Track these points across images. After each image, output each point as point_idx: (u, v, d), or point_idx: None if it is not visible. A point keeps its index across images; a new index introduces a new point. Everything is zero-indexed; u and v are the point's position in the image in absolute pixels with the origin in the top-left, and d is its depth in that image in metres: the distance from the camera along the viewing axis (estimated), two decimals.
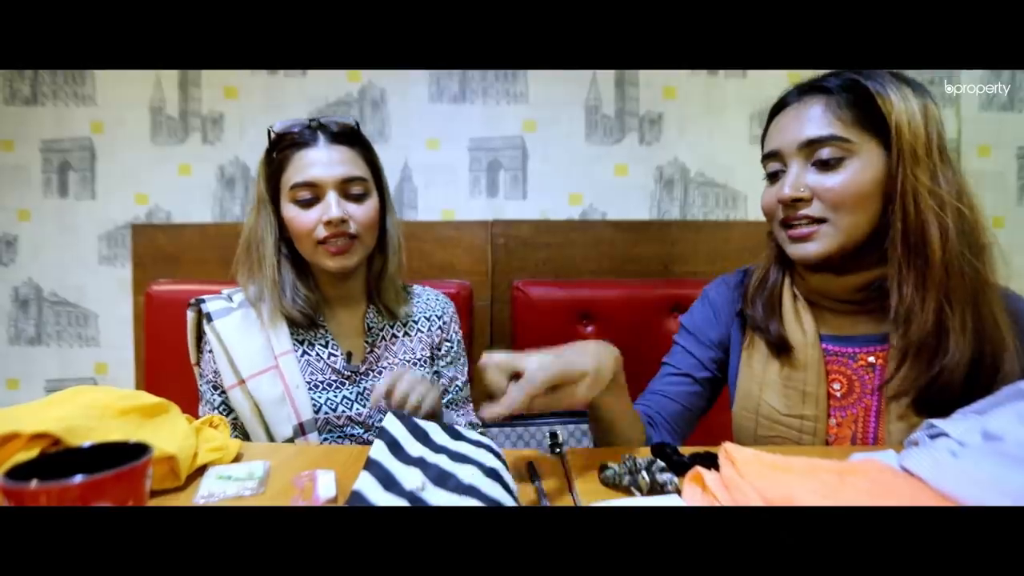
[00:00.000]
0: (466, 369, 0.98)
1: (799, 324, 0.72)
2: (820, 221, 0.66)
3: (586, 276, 1.42)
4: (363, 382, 0.86)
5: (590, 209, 1.52)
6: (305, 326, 0.86)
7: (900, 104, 0.64)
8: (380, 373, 0.88)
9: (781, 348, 0.72)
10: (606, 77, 1.50)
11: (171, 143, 1.52)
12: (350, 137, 0.84)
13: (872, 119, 0.65)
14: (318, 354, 0.85)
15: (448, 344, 0.95)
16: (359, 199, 0.83)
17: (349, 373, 0.86)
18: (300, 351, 0.85)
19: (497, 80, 1.50)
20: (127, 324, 1.50)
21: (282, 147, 0.82)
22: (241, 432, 0.83)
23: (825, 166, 0.66)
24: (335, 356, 0.86)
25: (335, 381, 0.85)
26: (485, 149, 1.51)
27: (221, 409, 0.83)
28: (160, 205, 1.53)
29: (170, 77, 1.51)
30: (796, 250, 0.69)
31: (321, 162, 0.80)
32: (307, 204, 0.80)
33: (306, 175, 0.80)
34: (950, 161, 0.65)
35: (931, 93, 0.68)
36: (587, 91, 1.50)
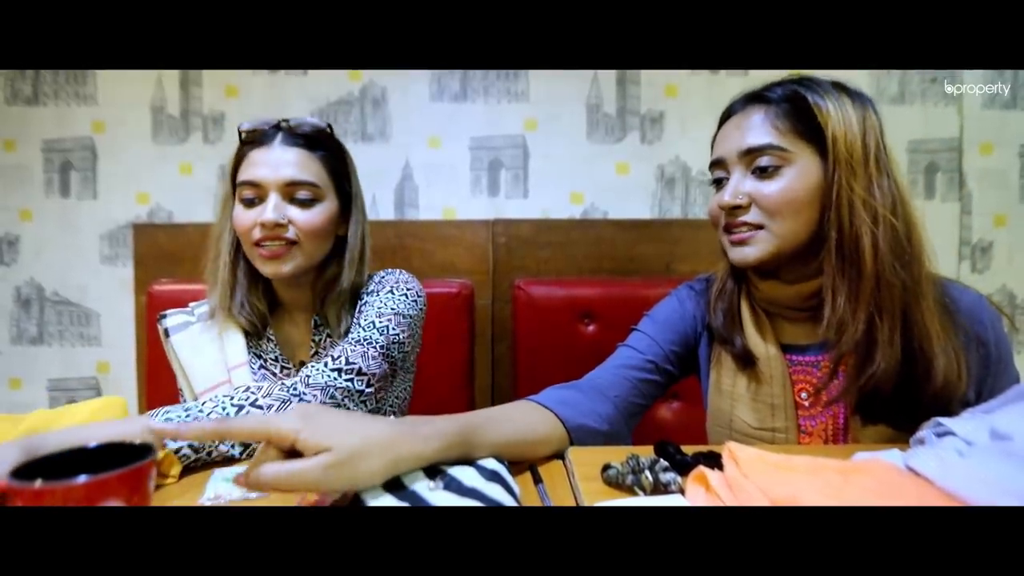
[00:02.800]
0: (371, 319, 0.81)
1: (760, 337, 0.73)
2: (758, 227, 0.68)
3: (587, 275, 1.42)
4: None
5: (591, 208, 1.52)
6: (253, 335, 0.85)
7: (837, 115, 0.65)
8: None
9: (747, 361, 0.74)
10: (607, 76, 1.50)
11: (172, 142, 1.52)
12: (312, 140, 0.81)
13: (810, 129, 0.67)
14: (270, 368, 0.85)
15: (362, 303, 0.84)
16: (305, 204, 0.79)
17: None
18: (258, 364, 0.85)
19: (498, 79, 1.50)
20: (129, 323, 1.50)
21: (243, 145, 0.82)
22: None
23: (763, 174, 0.68)
24: (287, 368, 0.85)
25: None
26: (486, 148, 1.51)
27: None
28: (161, 204, 1.53)
29: (171, 76, 1.51)
30: (735, 254, 0.71)
31: (269, 163, 0.78)
32: (249, 204, 0.78)
33: (251, 174, 0.78)
34: (888, 170, 0.66)
35: (873, 103, 0.69)
36: (588, 90, 1.50)
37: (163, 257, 1.44)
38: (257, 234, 0.77)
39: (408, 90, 1.50)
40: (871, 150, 0.65)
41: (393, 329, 0.81)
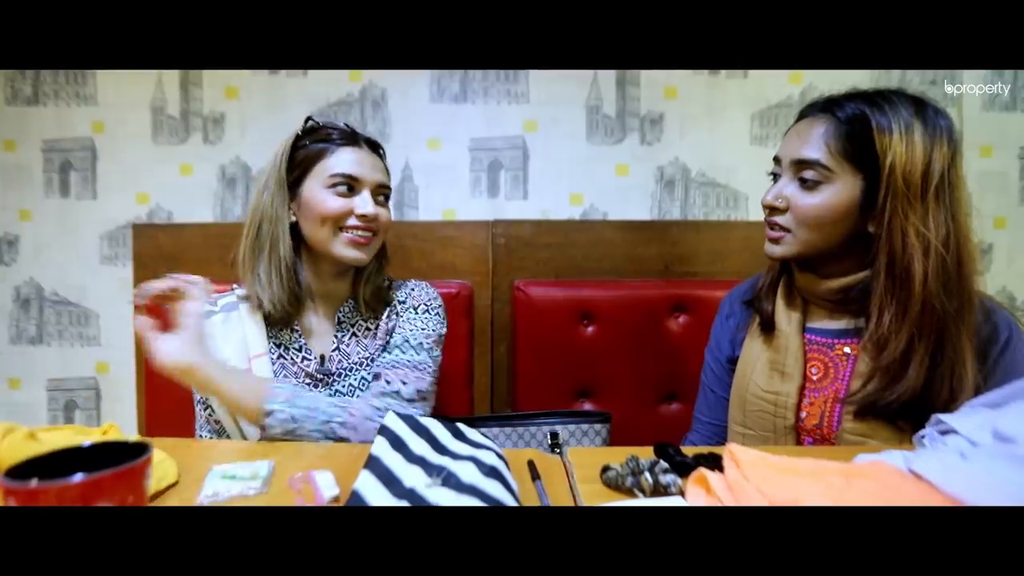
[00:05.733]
0: (415, 333, 0.90)
1: (787, 314, 0.81)
2: (787, 230, 0.76)
3: (587, 276, 1.42)
4: (336, 383, 0.89)
5: (591, 209, 1.52)
6: (279, 323, 0.88)
7: (900, 144, 0.68)
8: (350, 370, 0.89)
9: (768, 327, 0.82)
10: (607, 77, 1.50)
11: (172, 143, 1.52)
12: (380, 153, 0.93)
13: (862, 154, 0.71)
14: (292, 358, 0.88)
15: (396, 315, 0.94)
16: (383, 204, 0.89)
17: (322, 376, 0.88)
18: (276, 354, 0.87)
19: (498, 80, 1.50)
20: (128, 323, 1.50)
21: (322, 138, 0.87)
22: (222, 431, 0.85)
23: (805, 184, 0.74)
24: (308, 360, 0.88)
25: (308, 383, 0.87)
26: (486, 149, 1.51)
27: (201, 405, 0.87)
28: (161, 205, 1.53)
29: (171, 77, 1.51)
30: (766, 248, 0.80)
31: (365, 163, 0.87)
32: (342, 194, 0.85)
33: (350, 168, 0.85)
34: (948, 203, 0.69)
35: (952, 130, 0.70)
36: (588, 91, 1.50)
37: (163, 257, 1.44)
38: (353, 222, 0.85)
39: (408, 91, 1.50)
40: (932, 182, 0.68)
41: (435, 351, 0.92)
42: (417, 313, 0.93)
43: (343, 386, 0.89)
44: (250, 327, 0.86)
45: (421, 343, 0.89)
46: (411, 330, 0.91)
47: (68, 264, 1.55)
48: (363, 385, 0.90)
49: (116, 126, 1.52)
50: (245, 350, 0.85)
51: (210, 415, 0.85)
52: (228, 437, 0.84)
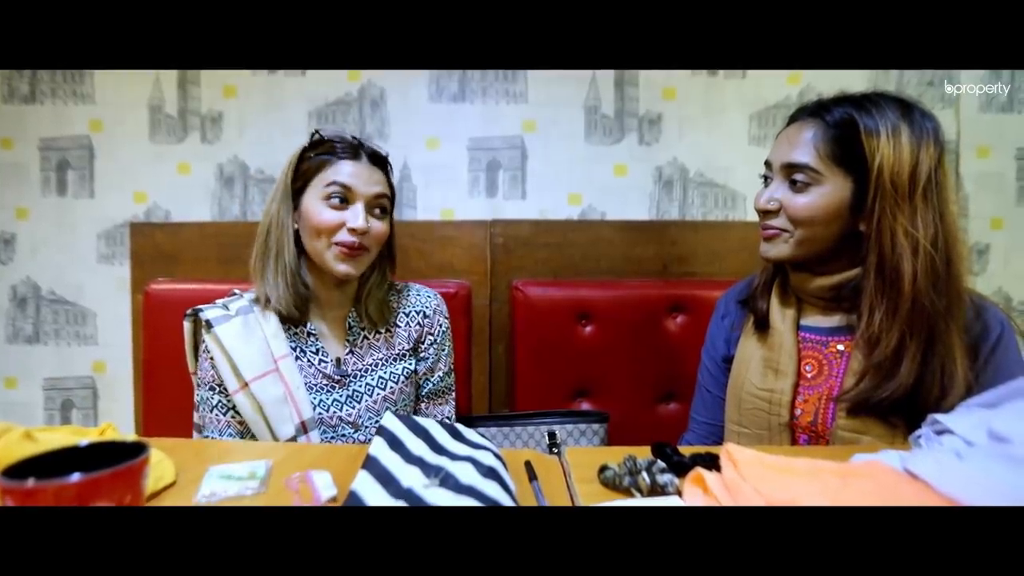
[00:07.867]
0: (450, 360, 1.02)
1: (781, 312, 0.82)
2: (783, 230, 0.77)
3: (585, 276, 1.42)
4: (351, 384, 0.90)
5: (589, 209, 1.52)
6: (294, 323, 0.89)
7: (887, 146, 0.69)
8: (366, 371, 0.92)
9: (762, 326, 0.83)
10: (606, 77, 1.50)
11: (170, 142, 1.52)
12: (383, 163, 0.93)
13: (850, 157, 0.72)
14: (309, 360, 0.89)
15: (431, 337, 0.98)
16: (380, 216, 0.90)
17: (339, 377, 0.89)
18: (293, 356, 0.88)
19: (497, 80, 1.50)
20: (125, 322, 1.50)
21: (326, 150, 0.88)
22: (246, 433, 0.86)
23: (795, 186, 0.75)
24: (325, 362, 0.90)
25: (325, 385, 0.89)
26: (484, 149, 1.51)
27: (220, 410, 0.86)
28: (159, 204, 1.53)
29: (169, 76, 1.51)
30: (762, 249, 0.81)
31: (361, 176, 0.87)
32: (335, 206, 0.85)
33: (345, 179, 0.86)
34: (935, 203, 0.70)
35: (937, 130, 0.71)
36: (586, 91, 1.50)
37: (160, 256, 1.44)
38: (345, 236, 0.85)
39: (407, 91, 1.50)
40: (920, 183, 0.69)
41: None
42: (447, 342, 1.00)
43: (360, 386, 0.91)
44: (269, 329, 0.87)
45: (451, 370, 1.01)
46: (444, 357, 0.99)
47: (65, 263, 1.54)
48: (381, 385, 0.92)
49: (114, 125, 1.51)
50: (269, 352, 0.85)
51: (233, 417, 0.86)
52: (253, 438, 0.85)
